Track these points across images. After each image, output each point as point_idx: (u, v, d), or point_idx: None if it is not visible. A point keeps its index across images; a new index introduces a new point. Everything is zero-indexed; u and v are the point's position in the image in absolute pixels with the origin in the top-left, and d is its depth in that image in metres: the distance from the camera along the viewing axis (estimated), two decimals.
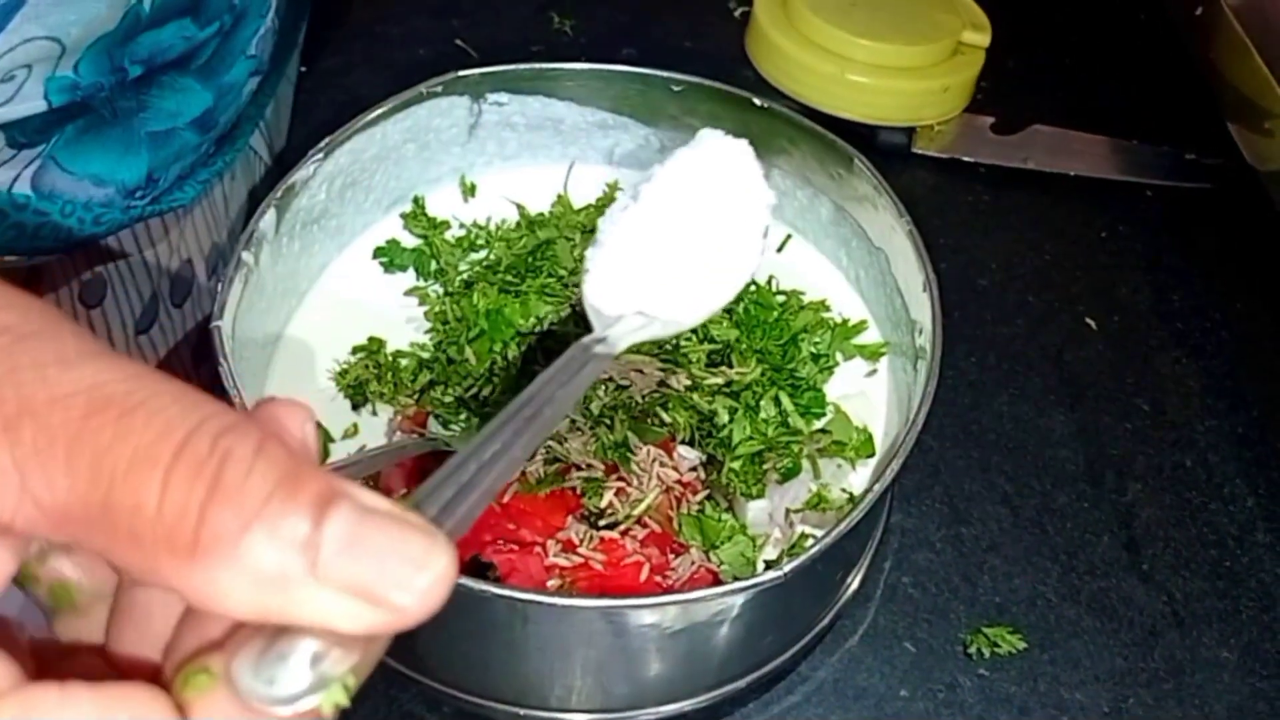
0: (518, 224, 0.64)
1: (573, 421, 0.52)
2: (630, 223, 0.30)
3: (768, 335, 0.58)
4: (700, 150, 0.32)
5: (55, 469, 0.20)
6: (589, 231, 0.63)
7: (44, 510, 0.20)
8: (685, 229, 0.29)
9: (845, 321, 0.61)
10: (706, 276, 0.29)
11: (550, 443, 0.51)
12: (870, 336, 0.61)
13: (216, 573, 0.20)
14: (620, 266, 0.29)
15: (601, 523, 0.50)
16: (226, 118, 0.60)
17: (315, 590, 0.20)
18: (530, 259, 0.60)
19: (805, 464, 0.54)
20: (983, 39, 0.79)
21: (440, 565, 0.21)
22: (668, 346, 0.56)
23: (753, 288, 0.60)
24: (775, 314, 0.59)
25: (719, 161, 0.31)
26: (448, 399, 0.54)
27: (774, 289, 0.61)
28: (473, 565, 0.48)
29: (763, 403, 0.55)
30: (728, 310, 0.59)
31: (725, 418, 0.54)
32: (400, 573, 0.20)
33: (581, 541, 0.48)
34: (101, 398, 0.21)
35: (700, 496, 0.52)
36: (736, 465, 0.53)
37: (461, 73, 0.61)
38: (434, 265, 0.62)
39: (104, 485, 0.20)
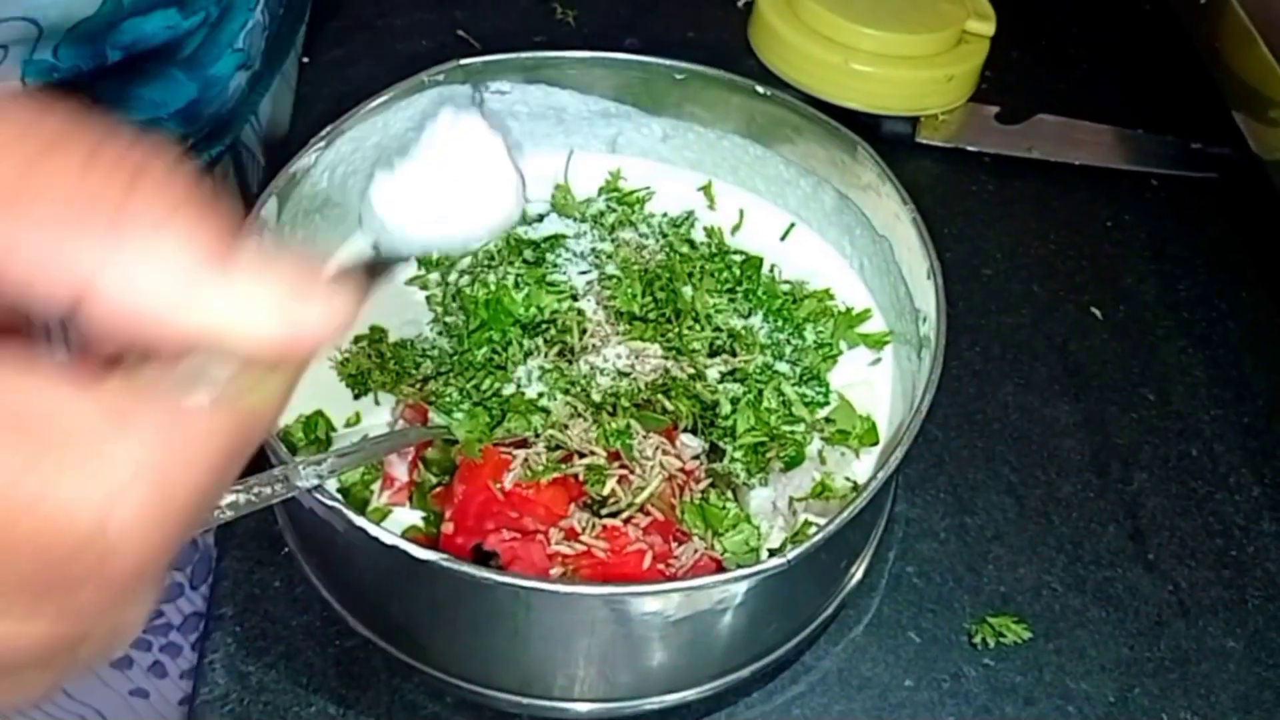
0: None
1: (575, 409, 0.52)
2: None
3: (771, 324, 0.58)
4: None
5: None
6: (591, 220, 0.62)
7: None
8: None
9: (849, 310, 0.60)
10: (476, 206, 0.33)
11: (552, 430, 0.51)
12: (874, 325, 0.60)
13: (135, 252, 0.20)
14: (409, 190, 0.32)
15: (604, 511, 0.49)
16: (212, 111, 0.60)
17: (217, 293, 0.21)
18: (531, 249, 0.60)
19: (809, 452, 0.54)
20: (987, 28, 0.79)
21: (327, 308, 0.22)
22: (670, 335, 0.56)
23: (763, 278, 0.60)
24: (779, 302, 0.58)
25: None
26: (449, 389, 0.54)
27: (778, 278, 0.61)
28: (476, 554, 0.48)
29: (766, 391, 0.54)
30: (732, 297, 0.58)
31: (728, 407, 0.54)
32: (297, 295, 0.22)
33: (584, 529, 0.48)
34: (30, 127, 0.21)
35: (703, 485, 0.51)
36: (739, 454, 0.52)
37: (463, 61, 0.60)
38: (435, 254, 0.62)
39: (26, 164, 0.20)
